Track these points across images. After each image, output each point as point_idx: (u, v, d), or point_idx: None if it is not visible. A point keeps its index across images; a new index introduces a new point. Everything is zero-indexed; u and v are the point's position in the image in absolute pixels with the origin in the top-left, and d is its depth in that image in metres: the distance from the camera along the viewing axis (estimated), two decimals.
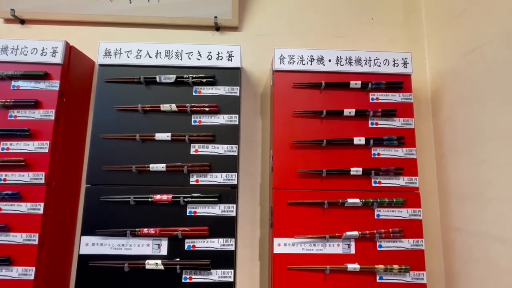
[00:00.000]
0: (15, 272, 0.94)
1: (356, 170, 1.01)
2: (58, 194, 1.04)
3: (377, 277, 0.97)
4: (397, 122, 1.07)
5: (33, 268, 0.94)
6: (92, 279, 0.95)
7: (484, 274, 0.97)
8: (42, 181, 0.99)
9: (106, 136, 1.03)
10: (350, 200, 0.98)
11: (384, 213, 1.01)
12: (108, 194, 0.99)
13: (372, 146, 1.04)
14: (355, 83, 1.07)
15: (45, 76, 1.05)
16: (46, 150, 1.01)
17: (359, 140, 1.03)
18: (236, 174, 1.02)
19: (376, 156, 1.04)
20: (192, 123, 1.05)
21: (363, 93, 1.09)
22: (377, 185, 1.02)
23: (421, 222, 1.01)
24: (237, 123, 1.05)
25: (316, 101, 1.07)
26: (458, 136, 1.10)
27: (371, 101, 1.08)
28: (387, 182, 1.03)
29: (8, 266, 0.94)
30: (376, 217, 1.00)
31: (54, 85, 1.06)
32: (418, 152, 1.07)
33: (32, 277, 0.94)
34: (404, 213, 1.01)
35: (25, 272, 0.94)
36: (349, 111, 1.04)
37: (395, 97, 1.09)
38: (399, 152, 1.05)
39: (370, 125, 1.06)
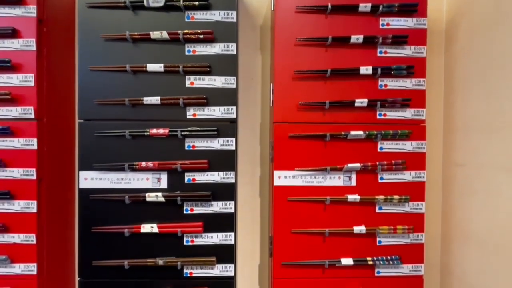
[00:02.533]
0: (17, 206, 0.95)
1: (361, 102, 0.96)
2: (51, 130, 1.01)
3: (377, 208, 0.98)
4: (407, 51, 0.99)
5: (35, 202, 0.95)
6: (94, 212, 0.96)
7: (481, 205, 0.97)
8: (32, 115, 0.95)
9: (94, 68, 0.96)
10: (353, 133, 0.95)
11: (388, 146, 0.98)
12: (102, 129, 0.96)
13: (379, 76, 0.97)
14: (365, 6, 0.96)
15: (19, 1, 0.95)
16: (32, 84, 0.95)
17: (365, 70, 0.96)
18: (234, 108, 0.97)
19: (383, 88, 0.98)
20: (186, 53, 0.97)
21: (372, 18, 0.98)
22: (382, 117, 0.98)
23: (425, 155, 0.99)
24: (234, 53, 0.97)
25: (321, 27, 0.98)
26: (472, 67, 1.02)
27: (381, 27, 0.99)
28: (392, 114, 0.98)
29: (9, 200, 0.94)
30: (379, 150, 0.98)
31: (30, 11, 0.95)
32: (426, 87, 1.01)
33: (34, 210, 0.95)
34: (408, 145, 0.98)
35: (27, 206, 0.95)
36: (356, 38, 0.96)
37: (408, 23, 0.99)
38: (408, 83, 0.99)
39: (378, 54, 0.98)
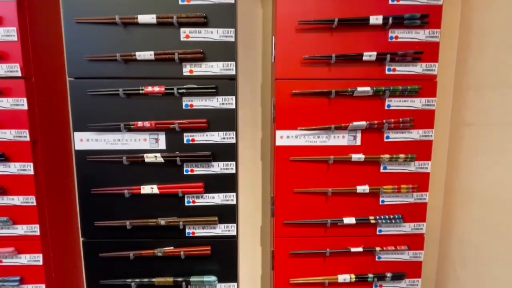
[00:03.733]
0: (13, 168, 0.93)
1: (369, 55, 0.89)
2: (41, 89, 0.96)
3: (381, 167, 0.96)
4: None
5: (31, 164, 0.93)
6: (92, 174, 0.94)
7: (488, 164, 0.95)
8: (19, 73, 0.89)
9: (81, 20, 0.88)
10: (359, 89, 0.90)
11: (395, 104, 0.93)
12: (94, 88, 0.91)
13: (390, 27, 0.89)
14: None
15: None
16: (15, 38, 0.88)
17: (375, 19, 0.88)
18: (234, 63, 0.91)
19: (394, 40, 0.91)
20: (180, 2, 0.88)
21: None
22: (391, 72, 0.92)
23: (434, 113, 0.94)
24: (233, 1, 0.89)
25: None
26: (490, 20, 0.94)
27: None
28: (402, 69, 0.92)
29: (4, 162, 0.92)
30: (386, 108, 0.93)
31: None
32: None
33: (31, 172, 0.93)
34: (417, 103, 0.93)
35: (24, 168, 0.93)
36: None
37: None
38: (420, 35, 0.91)
39: (390, 2, 0.90)
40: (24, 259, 0.97)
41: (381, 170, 0.96)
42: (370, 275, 0.99)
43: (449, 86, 1.10)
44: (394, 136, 0.95)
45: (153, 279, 0.97)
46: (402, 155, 0.93)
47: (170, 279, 0.97)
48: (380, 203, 0.97)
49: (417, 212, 0.98)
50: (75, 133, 0.93)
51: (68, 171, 1.09)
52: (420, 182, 0.96)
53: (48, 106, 1.00)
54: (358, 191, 0.95)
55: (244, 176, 1.16)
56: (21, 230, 0.96)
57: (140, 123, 0.90)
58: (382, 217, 0.97)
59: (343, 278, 0.99)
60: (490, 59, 0.95)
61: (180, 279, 0.97)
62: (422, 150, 0.96)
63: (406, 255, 1.00)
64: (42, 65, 0.97)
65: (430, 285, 1.20)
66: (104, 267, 0.98)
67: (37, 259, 0.97)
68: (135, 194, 0.94)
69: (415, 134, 0.95)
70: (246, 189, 1.17)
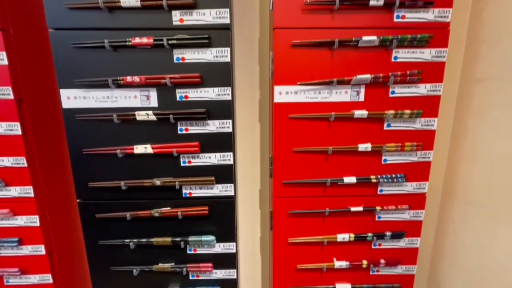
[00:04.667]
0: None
1: None
2: (22, 42, 0.89)
3: (385, 125, 0.91)
4: None
5: (18, 124, 0.88)
6: (83, 133, 0.90)
7: (498, 121, 0.91)
8: None
9: None
10: (365, 38, 0.83)
11: (403, 55, 0.87)
12: (77, 40, 0.84)
13: None
14: None
15: None
16: None
17: None
18: (228, 10, 0.83)
19: None
20: None
21: None
22: (400, 20, 0.84)
23: (444, 65, 0.88)
24: None
25: None
26: None
27: None
28: (412, 16, 0.84)
29: None
30: (393, 60, 0.87)
31: None
32: None
33: (19, 132, 0.89)
34: (426, 54, 0.87)
35: (10, 128, 0.89)
36: None
37: None
38: None
39: None
40: (21, 221, 0.96)
41: (385, 128, 0.91)
42: (370, 234, 0.98)
43: (462, 39, 1.02)
44: (400, 91, 0.89)
45: (151, 239, 0.97)
46: (407, 111, 0.88)
47: (169, 239, 0.97)
48: (382, 162, 0.94)
49: (420, 171, 0.95)
50: (61, 90, 0.87)
51: (58, 131, 1.05)
52: (425, 140, 0.92)
53: (31, 61, 0.94)
54: (359, 149, 0.91)
55: (242, 137, 1.12)
56: (14, 192, 0.94)
57: (129, 78, 0.85)
58: (384, 176, 0.94)
59: (342, 237, 0.98)
60: (507, 10, 0.87)
61: (178, 239, 0.97)
62: (429, 106, 0.90)
63: (407, 215, 0.99)
64: (21, 15, 0.90)
65: (429, 246, 1.21)
66: (101, 228, 0.97)
67: (33, 220, 0.97)
68: (128, 154, 0.91)
69: (422, 89, 0.89)
70: (244, 150, 1.13)
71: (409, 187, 0.96)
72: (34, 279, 1.02)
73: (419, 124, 0.91)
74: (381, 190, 0.96)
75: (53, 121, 1.04)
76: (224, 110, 0.89)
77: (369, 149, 0.91)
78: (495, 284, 0.94)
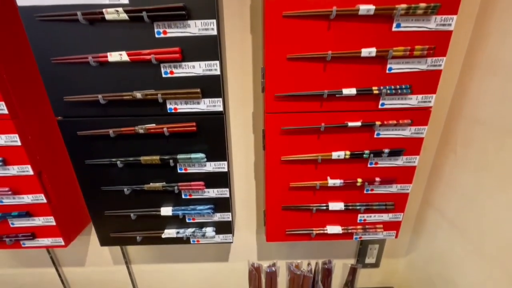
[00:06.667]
0: None
1: None
2: None
3: (394, 25, 0.79)
4: None
5: None
6: (47, 38, 0.79)
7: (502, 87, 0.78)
8: None
9: None
10: None
11: None
12: None
13: None
14: None
15: None
16: None
17: None
18: None
19: None
20: None
21: None
22: None
23: None
24: None
25: None
26: None
27: None
28: None
29: None
30: None
31: None
32: None
33: None
34: None
35: None
36: None
37: None
38: None
39: None
40: (1, 140, 0.92)
41: (393, 29, 0.79)
42: (366, 151, 0.94)
43: None
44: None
45: (139, 158, 0.94)
46: (423, 4, 0.75)
47: (157, 157, 0.93)
48: (387, 71, 0.84)
49: (428, 82, 0.86)
50: None
51: (20, 36, 0.93)
52: (439, 43, 0.81)
53: None
54: (363, 54, 0.80)
55: (231, 45, 0.99)
56: None
57: None
58: (387, 86, 0.85)
59: (337, 154, 0.94)
60: None
61: (167, 157, 0.93)
62: (448, 2, 0.77)
63: (408, 131, 0.93)
64: None
65: (426, 166, 1.18)
66: (86, 147, 0.93)
67: (14, 139, 0.92)
68: (102, 62, 0.81)
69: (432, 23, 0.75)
70: (233, 61, 1.02)
71: (414, 101, 0.88)
72: (27, 199, 1.02)
73: (433, 23, 0.78)
74: (382, 104, 0.89)
75: (11, 24, 0.91)
76: (206, 6, 0.76)
77: (374, 54, 0.80)
78: (490, 204, 0.92)
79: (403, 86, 0.85)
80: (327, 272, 0.93)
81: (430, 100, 0.88)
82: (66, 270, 1.48)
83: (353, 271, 0.98)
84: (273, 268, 0.90)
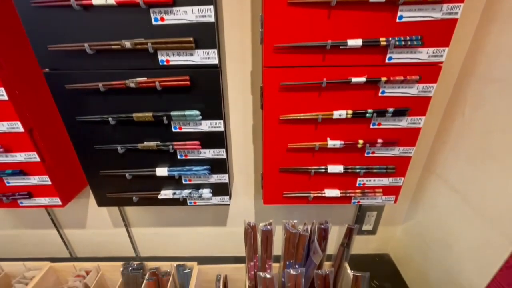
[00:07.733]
0: None
1: None
2: None
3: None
4: None
5: None
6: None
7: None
8: None
9: None
10: None
11: None
12: None
13: None
14: None
15: None
16: None
17: None
18: None
19: None
20: None
21: None
22: None
23: None
24: None
25: None
26: None
27: None
28: None
29: None
30: None
31: None
32: None
33: None
34: None
35: None
36: None
37: None
38: None
39: None
40: None
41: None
42: (369, 111, 0.89)
43: None
44: None
45: (132, 115, 0.90)
46: None
47: (150, 114, 0.89)
48: (397, 19, 0.77)
49: (441, 33, 0.78)
50: None
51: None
52: None
53: None
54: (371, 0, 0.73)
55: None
56: None
57: None
58: (396, 38, 0.78)
59: (339, 114, 0.90)
60: None
61: (160, 113, 0.90)
62: None
63: (415, 89, 0.87)
64: None
65: (432, 130, 1.14)
66: (76, 103, 0.90)
67: (1, 93, 0.89)
68: (86, 6, 0.74)
69: None
70: (231, 9, 0.94)
71: (424, 54, 0.81)
72: (20, 157, 1.00)
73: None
74: (389, 58, 0.82)
75: None
76: None
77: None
78: (496, 167, 0.88)
79: (414, 37, 0.78)
80: (324, 232, 0.93)
81: (442, 55, 0.82)
82: (67, 231, 1.51)
83: (349, 232, 0.97)
84: (269, 227, 0.90)
